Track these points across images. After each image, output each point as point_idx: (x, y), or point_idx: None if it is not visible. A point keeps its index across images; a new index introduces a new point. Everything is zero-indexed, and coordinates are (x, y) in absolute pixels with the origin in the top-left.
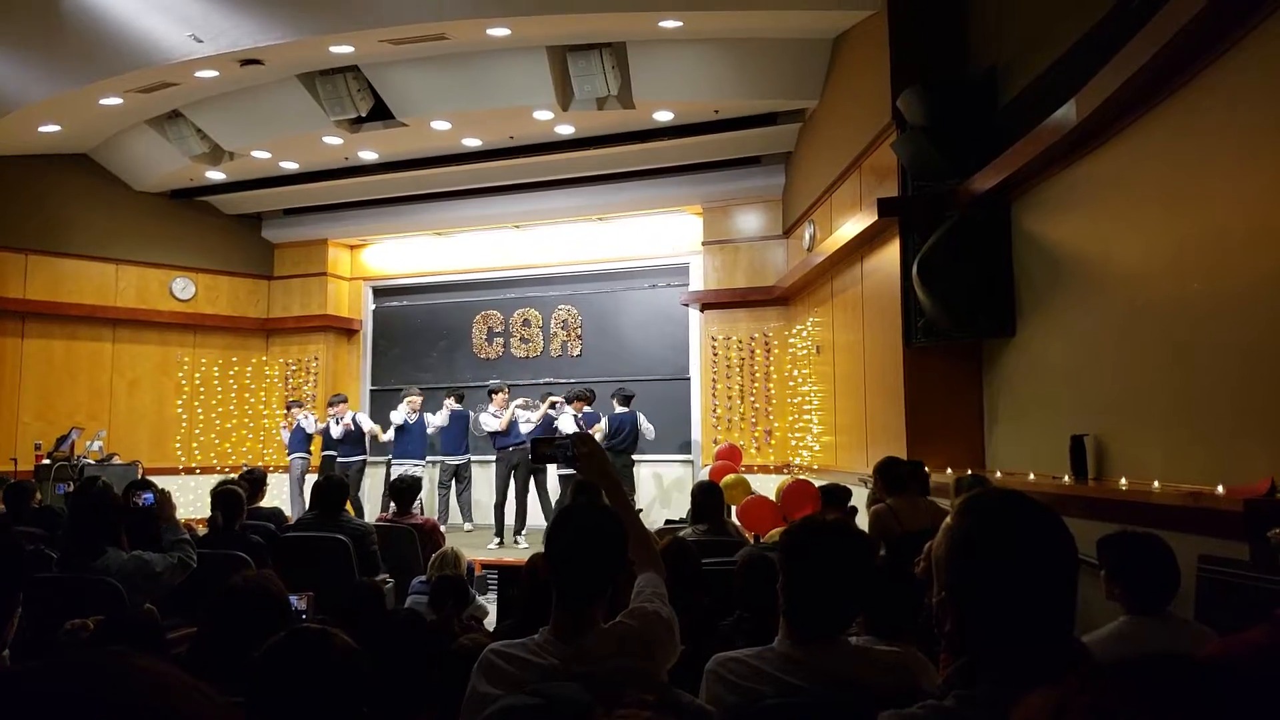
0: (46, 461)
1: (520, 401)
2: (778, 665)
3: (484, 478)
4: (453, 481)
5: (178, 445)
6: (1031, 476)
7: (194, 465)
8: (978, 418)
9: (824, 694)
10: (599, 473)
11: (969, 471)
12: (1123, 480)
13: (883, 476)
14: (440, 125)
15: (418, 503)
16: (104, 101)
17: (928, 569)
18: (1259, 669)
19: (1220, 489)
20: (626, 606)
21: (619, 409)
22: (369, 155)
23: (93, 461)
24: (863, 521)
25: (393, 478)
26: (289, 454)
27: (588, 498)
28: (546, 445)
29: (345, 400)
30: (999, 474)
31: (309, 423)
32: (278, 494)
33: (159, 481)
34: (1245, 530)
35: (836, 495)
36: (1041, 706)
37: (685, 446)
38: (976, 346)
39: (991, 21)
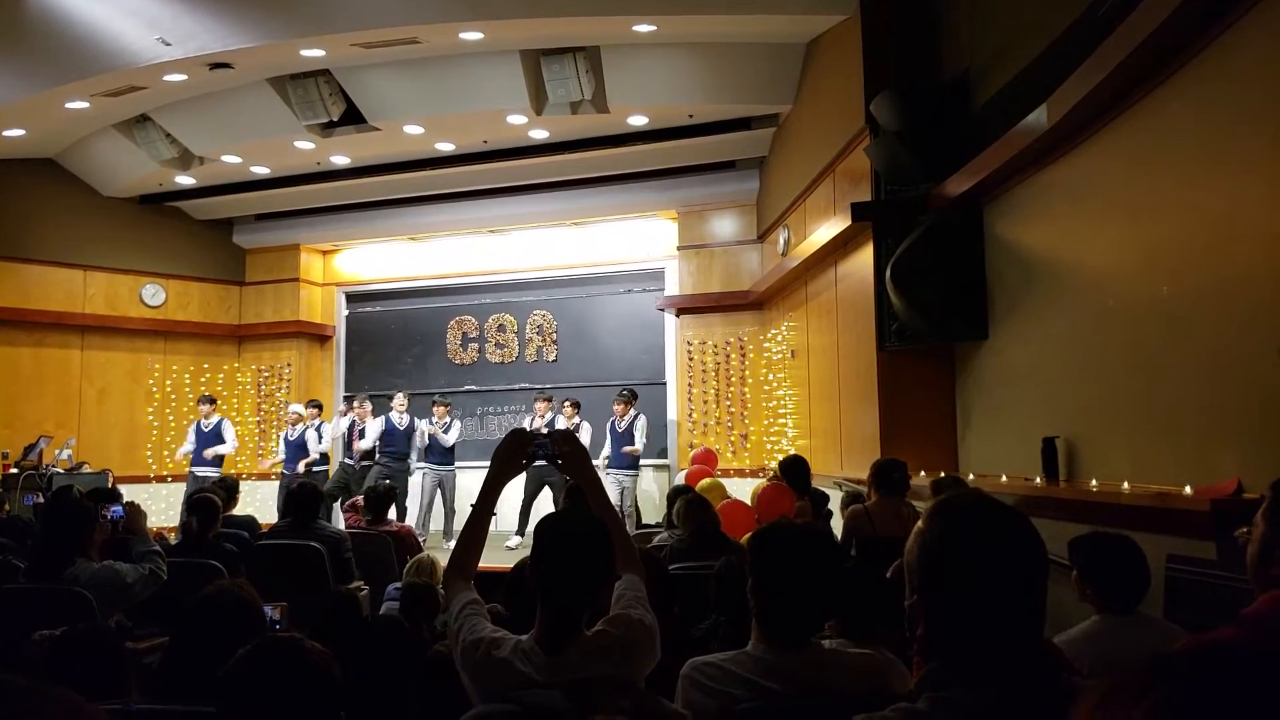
0: (14, 471)
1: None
2: (751, 669)
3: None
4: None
5: (149, 453)
6: (1004, 478)
7: (165, 473)
8: (951, 420)
9: (797, 697)
10: (580, 473)
11: (942, 474)
12: (1093, 482)
13: (877, 476)
14: (413, 129)
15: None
16: (70, 105)
17: (899, 573)
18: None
19: (1188, 490)
20: (607, 608)
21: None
22: (341, 160)
23: (61, 470)
24: (837, 523)
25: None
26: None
27: (575, 504)
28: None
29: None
30: (971, 476)
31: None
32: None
33: (130, 490)
34: (1213, 530)
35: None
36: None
37: (662, 451)
38: (950, 350)
39: (964, 26)
